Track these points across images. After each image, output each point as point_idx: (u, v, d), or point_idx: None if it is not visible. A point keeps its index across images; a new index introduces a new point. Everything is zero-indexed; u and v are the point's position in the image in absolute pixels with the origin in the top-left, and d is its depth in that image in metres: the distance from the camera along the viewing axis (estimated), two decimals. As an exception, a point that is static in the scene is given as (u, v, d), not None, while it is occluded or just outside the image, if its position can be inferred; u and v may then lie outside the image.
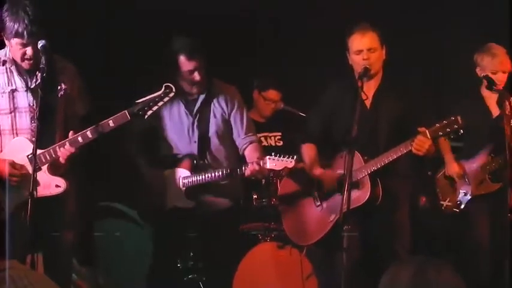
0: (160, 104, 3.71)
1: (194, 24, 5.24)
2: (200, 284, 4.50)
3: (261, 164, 4.08)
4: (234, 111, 4.37)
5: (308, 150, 4.24)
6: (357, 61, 4.01)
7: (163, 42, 4.43)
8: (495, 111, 4.57)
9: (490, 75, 4.49)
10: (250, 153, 4.33)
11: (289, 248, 4.50)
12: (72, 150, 3.64)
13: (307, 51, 5.71)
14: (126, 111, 3.68)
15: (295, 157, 4.12)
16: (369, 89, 4.05)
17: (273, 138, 5.36)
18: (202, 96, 4.32)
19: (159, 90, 3.73)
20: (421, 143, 3.74)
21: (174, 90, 3.76)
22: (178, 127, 4.33)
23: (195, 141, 4.32)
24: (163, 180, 4.32)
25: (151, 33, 5.28)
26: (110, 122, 3.67)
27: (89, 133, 3.67)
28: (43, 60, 3.55)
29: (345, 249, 3.64)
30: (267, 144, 5.32)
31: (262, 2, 5.61)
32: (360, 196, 3.91)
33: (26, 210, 3.38)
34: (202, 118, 4.33)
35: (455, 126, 3.68)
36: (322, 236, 4.08)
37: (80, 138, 3.66)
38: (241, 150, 4.39)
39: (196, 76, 4.21)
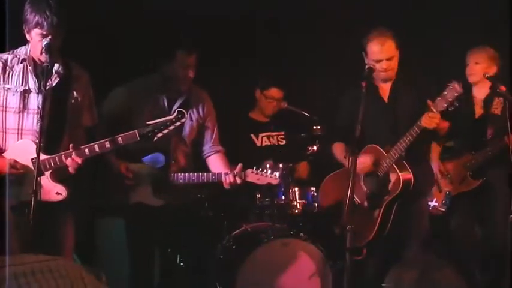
0: (171, 128, 3.70)
1: (194, 25, 5.23)
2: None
3: (242, 177, 4.15)
4: (209, 117, 4.44)
5: (338, 148, 4.39)
6: (376, 68, 4.16)
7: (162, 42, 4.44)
8: (478, 112, 4.75)
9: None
10: (215, 161, 4.42)
11: (292, 248, 4.50)
12: (79, 161, 3.63)
13: (308, 51, 5.71)
14: (136, 131, 3.68)
15: (277, 174, 4.20)
16: (386, 86, 4.28)
17: (275, 137, 5.36)
18: (181, 99, 4.32)
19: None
20: (430, 117, 3.92)
21: (186, 116, 3.76)
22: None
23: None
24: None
25: (151, 35, 5.26)
26: (118, 139, 3.68)
27: (96, 147, 3.67)
28: (47, 58, 3.55)
29: (347, 249, 3.66)
30: (270, 144, 5.32)
31: (262, 2, 5.60)
32: (394, 184, 4.09)
33: (28, 210, 3.38)
34: None
35: (456, 94, 3.84)
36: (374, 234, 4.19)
37: (86, 151, 3.66)
38: (205, 157, 4.46)
39: (191, 73, 4.23)
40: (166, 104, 4.30)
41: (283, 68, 5.77)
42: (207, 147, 4.47)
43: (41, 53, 3.62)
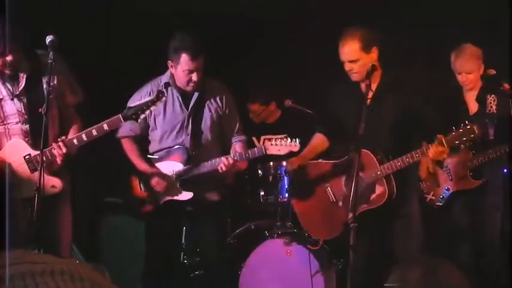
0: (152, 108, 3.76)
1: (192, 25, 5.22)
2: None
3: (238, 158, 4.13)
4: (229, 108, 4.39)
5: (315, 139, 4.26)
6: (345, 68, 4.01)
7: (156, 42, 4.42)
8: (473, 109, 4.70)
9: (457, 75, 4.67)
10: (234, 150, 4.36)
11: (296, 245, 4.50)
12: (64, 150, 3.68)
13: (307, 50, 5.68)
14: (120, 115, 3.73)
15: (297, 140, 4.09)
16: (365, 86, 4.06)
17: (278, 140, 5.29)
18: (196, 94, 4.30)
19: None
20: (438, 151, 3.77)
21: (166, 94, 3.84)
22: (172, 118, 4.29)
23: (188, 134, 4.29)
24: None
25: (145, 33, 5.25)
26: (104, 125, 3.73)
27: (84, 136, 3.72)
28: (51, 55, 3.58)
29: (351, 247, 3.65)
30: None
31: (260, 2, 5.58)
32: (379, 196, 3.95)
33: (31, 207, 3.40)
34: (197, 113, 4.32)
35: (472, 136, 3.68)
36: (340, 233, 4.05)
37: (75, 141, 3.71)
38: (231, 147, 4.42)
39: (194, 76, 4.18)
40: (181, 100, 4.29)
41: (284, 67, 5.74)
42: (231, 138, 4.43)
43: (5, 68, 3.67)
